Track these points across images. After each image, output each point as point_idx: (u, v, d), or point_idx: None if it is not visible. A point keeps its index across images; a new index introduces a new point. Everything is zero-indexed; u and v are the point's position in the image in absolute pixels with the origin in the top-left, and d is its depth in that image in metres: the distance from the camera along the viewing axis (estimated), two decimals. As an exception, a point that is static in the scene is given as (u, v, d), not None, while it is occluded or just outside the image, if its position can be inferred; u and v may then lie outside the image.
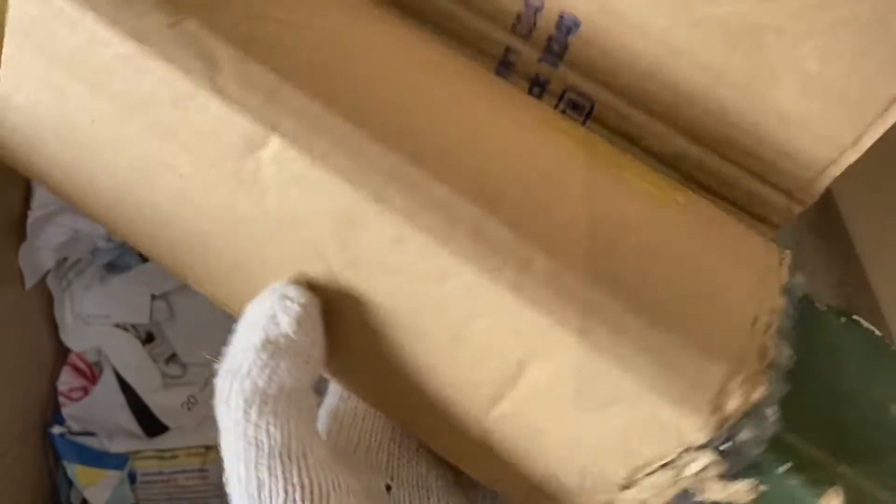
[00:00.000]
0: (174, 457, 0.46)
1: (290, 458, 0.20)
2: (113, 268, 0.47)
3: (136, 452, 0.45)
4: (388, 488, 0.23)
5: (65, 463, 0.44)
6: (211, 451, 0.46)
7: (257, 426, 0.19)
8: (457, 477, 0.24)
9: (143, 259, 0.48)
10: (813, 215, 0.32)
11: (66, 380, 0.45)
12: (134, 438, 0.45)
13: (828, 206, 0.31)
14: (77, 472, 0.44)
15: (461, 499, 0.24)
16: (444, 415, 0.20)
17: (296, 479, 0.19)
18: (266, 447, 0.19)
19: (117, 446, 0.45)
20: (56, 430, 0.44)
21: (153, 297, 0.47)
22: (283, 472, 0.19)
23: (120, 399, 0.45)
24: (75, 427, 0.45)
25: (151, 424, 0.46)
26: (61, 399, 0.45)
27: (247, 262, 0.21)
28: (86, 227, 0.44)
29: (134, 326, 0.47)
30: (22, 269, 0.42)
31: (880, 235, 0.23)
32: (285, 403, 0.20)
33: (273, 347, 0.20)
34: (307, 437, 0.20)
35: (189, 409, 0.46)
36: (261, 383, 0.19)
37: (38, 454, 0.43)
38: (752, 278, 0.20)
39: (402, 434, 0.24)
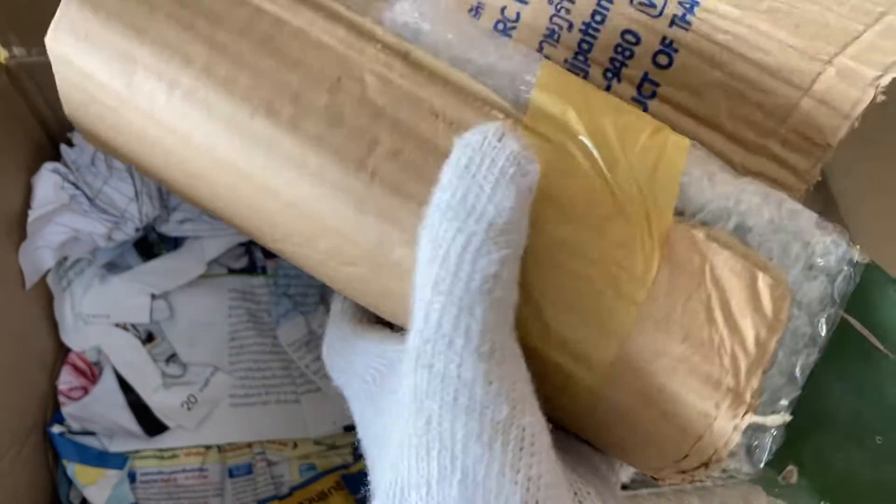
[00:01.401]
0: (174, 456, 0.46)
1: (511, 326, 0.19)
2: (113, 268, 0.47)
3: (136, 452, 0.45)
4: None
5: (64, 462, 0.44)
6: (210, 451, 0.46)
7: (505, 288, 0.18)
8: None
9: (144, 259, 0.48)
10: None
11: (66, 379, 0.45)
12: (134, 438, 0.45)
13: (827, 204, 0.31)
14: (77, 471, 0.44)
15: None
16: None
17: (516, 349, 0.19)
18: (505, 310, 0.19)
19: (117, 446, 0.45)
20: (56, 429, 0.44)
21: (153, 297, 0.47)
22: (511, 339, 0.19)
23: (120, 399, 0.45)
24: (75, 426, 0.45)
25: (151, 424, 0.46)
26: (61, 398, 0.45)
27: None
28: (86, 226, 0.44)
29: (134, 326, 0.47)
30: (22, 269, 0.42)
31: (880, 233, 0.24)
32: (517, 269, 0.19)
33: (523, 202, 0.19)
34: None
35: (189, 408, 0.46)
36: (515, 240, 0.19)
37: (37, 453, 0.43)
38: None
39: None
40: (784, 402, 0.21)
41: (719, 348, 0.21)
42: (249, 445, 0.47)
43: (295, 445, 0.47)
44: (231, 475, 0.46)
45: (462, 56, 0.23)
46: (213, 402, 0.47)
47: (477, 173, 0.18)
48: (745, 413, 0.21)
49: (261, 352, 0.48)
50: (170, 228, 0.47)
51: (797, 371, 0.22)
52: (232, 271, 0.50)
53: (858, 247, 0.22)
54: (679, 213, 0.22)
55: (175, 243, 0.49)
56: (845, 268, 0.22)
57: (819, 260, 0.22)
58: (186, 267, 0.48)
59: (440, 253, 0.18)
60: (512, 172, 0.18)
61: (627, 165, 0.22)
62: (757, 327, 0.21)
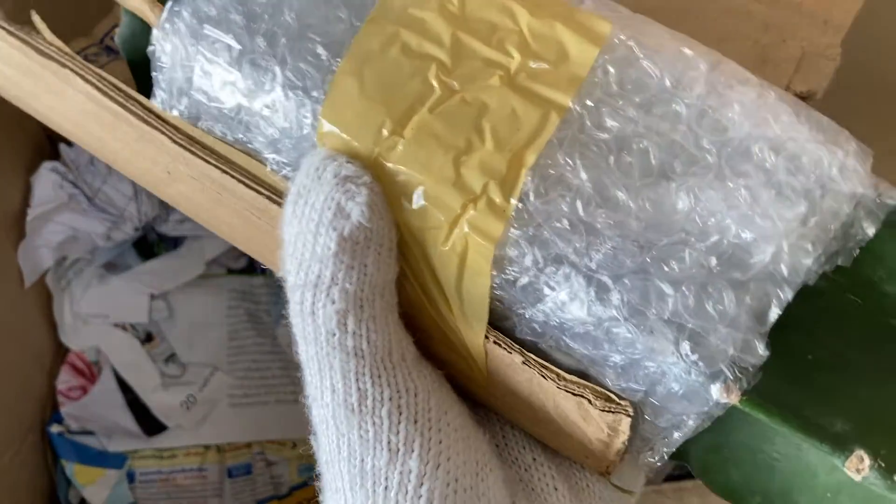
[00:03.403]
0: (173, 456, 0.46)
1: (391, 362, 0.18)
2: (112, 267, 0.47)
3: (135, 452, 0.45)
4: None
5: (63, 462, 0.44)
6: (209, 451, 0.46)
7: (356, 335, 0.17)
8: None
9: (143, 259, 0.48)
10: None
11: (65, 379, 0.45)
12: (133, 438, 0.45)
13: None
14: (76, 471, 0.44)
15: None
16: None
17: (401, 385, 0.18)
18: (368, 355, 0.17)
19: (116, 445, 0.45)
20: (55, 429, 0.44)
21: (152, 296, 0.47)
22: (388, 378, 0.18)
23: (119, 398, 0.45)
24: (74, 426, 0.45)
25: (150, 424, 0.46)
26: (60, 398, 0.45)
27: None
28: (85, 226, 0.44)
29: (133, 326, 0.47)
30: (21, 268, 0.42)
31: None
32: (380, 304, 0.18)
33: (352, 245, 0.17)
34: (404, 336, 0.19)
35: (188, 408, 0.46)
36: (351, 288, 0.17)
37: (36, 453, 0.43)
38: None
39: None
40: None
41: (570, 436, 0.20)
42: (248, 445, 0.47)
43: (294, 445, 0.47)
44: (230, 475, 0.46)
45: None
46: (213, 402, 0.47)
47: (302, 218, 0.18)
48: (611, 467, 0.21)
49: (260, 352, 0.48)
50: (169, 228, 0.47)
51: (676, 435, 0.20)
52: (231, 271, 0.50)
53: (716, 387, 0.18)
54: (504, 318, 0.20)
55: (174, 243, 0.49)
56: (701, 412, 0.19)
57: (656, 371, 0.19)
58: (186, 267, 0.48)
59: (291, 308, 0.19)
60: (330, 218, 0.17)
61: (432, 278, 0.19)
62: (597, 435, 0.20)
